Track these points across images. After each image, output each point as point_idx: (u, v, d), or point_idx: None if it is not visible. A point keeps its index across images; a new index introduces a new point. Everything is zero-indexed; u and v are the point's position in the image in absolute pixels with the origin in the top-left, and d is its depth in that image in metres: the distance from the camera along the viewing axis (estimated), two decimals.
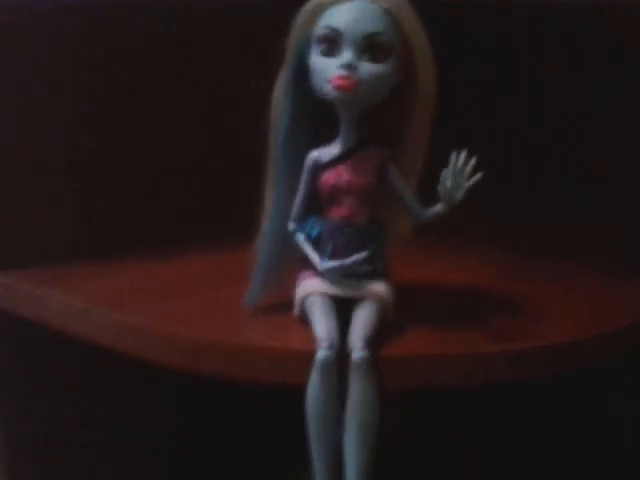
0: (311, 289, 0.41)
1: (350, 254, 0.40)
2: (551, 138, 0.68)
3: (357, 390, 0.37)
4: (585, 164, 0.66)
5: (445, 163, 0.38)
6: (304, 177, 0.42)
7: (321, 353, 0.37)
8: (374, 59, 0.39)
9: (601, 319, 0.45)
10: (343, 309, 0.41)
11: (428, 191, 0.40)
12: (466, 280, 0.52)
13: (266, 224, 0.44)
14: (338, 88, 0.39)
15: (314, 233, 0.42)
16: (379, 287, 0.41)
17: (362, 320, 0.39)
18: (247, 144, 0.44)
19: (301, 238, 0.42)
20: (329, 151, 0.42)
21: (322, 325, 0.38)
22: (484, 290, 0.50)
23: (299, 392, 0.38)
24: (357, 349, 0.37)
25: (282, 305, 0.44)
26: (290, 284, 0.43)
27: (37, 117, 0.53)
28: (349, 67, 0.39)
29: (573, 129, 0.66)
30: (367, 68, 0.39)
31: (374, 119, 0.41)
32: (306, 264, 0.42)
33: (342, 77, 0.39)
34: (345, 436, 0.37)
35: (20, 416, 0.55)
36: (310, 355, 0.37)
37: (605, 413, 0.57)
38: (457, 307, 0.46)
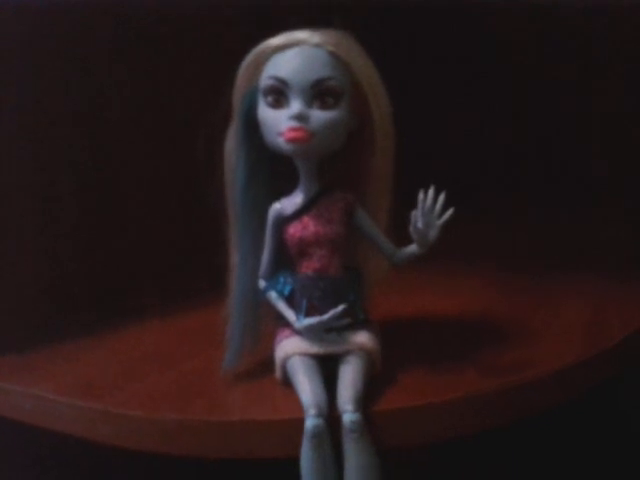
0: (290, 350, 0.39)
1: (327, 308, 0.38)
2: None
3: (353, 455, 0.35)
4: (577, 175, 0.65)
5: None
6: (269, 231, 0.40)
7: (310, 422, 0.35)
8: (325, 106, 0.37)
9: (599, 334, 0.43)
10: (327, 364, 0.38)
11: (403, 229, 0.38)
12: (455, 305, 0.50)
13: (235, 284, 0.41)
14: (291, 141, 0.37)
15: (286, 290, 0.39)
16: (363, 338, 0.39)
17: (349, 378, 0.37)
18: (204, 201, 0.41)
19: (273, 296, 0.40)
20: (292, 201, 0.39)
21: (307, 390, 0.36)
22: (474, 315, 0.48)
23: (293, 463, 0.35)
24: (348, 412, 0.35)
25: (262, 366, 0.41)
26: (268, 341, 0.41)
27: None
28: (300, 118, 0.36)
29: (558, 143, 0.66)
30: (319, 116, 0.37)
31: (334, 162, 0.39)
32: (282, 321, 0.40)
33: (294, 129, 0.37)
34: None
35: None
36: (299, 422, 0.35)
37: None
38: (448, 342, 0.44)
